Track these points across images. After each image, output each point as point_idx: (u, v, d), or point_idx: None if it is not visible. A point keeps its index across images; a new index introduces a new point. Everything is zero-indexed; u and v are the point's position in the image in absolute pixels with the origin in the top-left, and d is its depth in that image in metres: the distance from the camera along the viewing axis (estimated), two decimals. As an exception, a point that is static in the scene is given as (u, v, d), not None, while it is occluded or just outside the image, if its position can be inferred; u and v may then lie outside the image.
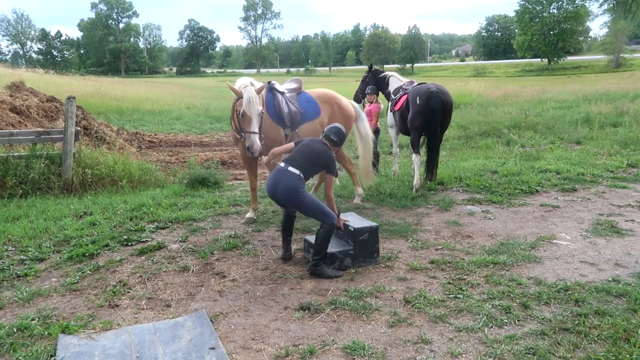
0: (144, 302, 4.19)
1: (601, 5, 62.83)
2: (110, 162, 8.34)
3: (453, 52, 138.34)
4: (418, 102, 7.53)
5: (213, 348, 3.45)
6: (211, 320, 3.82)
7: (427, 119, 7.47)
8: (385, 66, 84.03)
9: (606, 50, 58.72)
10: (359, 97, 9.17)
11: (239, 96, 5.39)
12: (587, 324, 3.67)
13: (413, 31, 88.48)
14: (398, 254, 5.21)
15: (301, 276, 4.68)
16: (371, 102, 8.75)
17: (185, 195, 7.62)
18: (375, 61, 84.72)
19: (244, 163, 6.58)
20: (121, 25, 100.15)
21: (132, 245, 5.51)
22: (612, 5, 60.40)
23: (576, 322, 3.71)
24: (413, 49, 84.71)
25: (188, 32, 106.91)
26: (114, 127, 13.38)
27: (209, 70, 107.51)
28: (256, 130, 5.39)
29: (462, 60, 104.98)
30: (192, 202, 7.13)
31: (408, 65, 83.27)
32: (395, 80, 8.69)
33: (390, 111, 8.49)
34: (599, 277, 4.57)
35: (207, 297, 4.28)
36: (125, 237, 5.67)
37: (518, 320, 3.78)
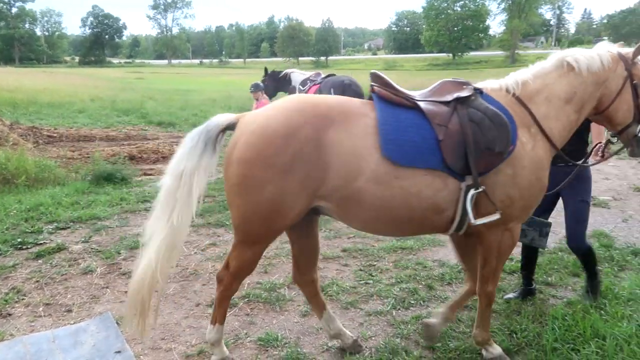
0: (41, 308, 3.89)
1: (499, 4, 67.50)
2: (2, 159, 7.62)
3: (365, 46, 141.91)
4: (333, 93, 7.80)
5: (119, 351, 3.29)
6: (117, 323, 3.64)
7: None
8: (300, 59, 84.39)
9: (503, 47, 63.46)
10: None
11: None
12: (484, 300, 3.96)
13: (327, 24, 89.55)
14: (312, 244, 5.28)
15: (214, 271, 4.59)
16: (257, 99, 8.59)
17: (89, 192, 7.17)
18: (290, 53, 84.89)
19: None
20: (14, 10, 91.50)
21: (27, 248, 5.08)
22: (508, 4, 65.05)
23: (474, 299, 3.98)
24: (327, 41, 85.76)
25: (92, 19, 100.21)
26: (6, 121, 12.24)
27: (115, 61, 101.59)
28: None
29: (374, 54, 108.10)
30: (97, 200, 6.72)
31: (322, 58, 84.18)
32: (298, 75, 8.91)
33: None
34: (495, 256, 4.93)
35: (113, 299, 4.07)
36: (19, 239, 5.22)
37: (423, 301, 3.99)
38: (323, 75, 8.69)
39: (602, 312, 3.60)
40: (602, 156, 3.49)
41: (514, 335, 3.42)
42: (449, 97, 2.88)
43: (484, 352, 3.18)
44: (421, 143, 2.70)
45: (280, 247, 5.15)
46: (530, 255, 4.02)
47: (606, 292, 3.96)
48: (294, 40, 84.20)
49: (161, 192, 2.81)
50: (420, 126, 2.75)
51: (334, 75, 8.61)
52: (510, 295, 4.07)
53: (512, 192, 2.78)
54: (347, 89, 8.01)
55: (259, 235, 2.84)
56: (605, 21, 72.46)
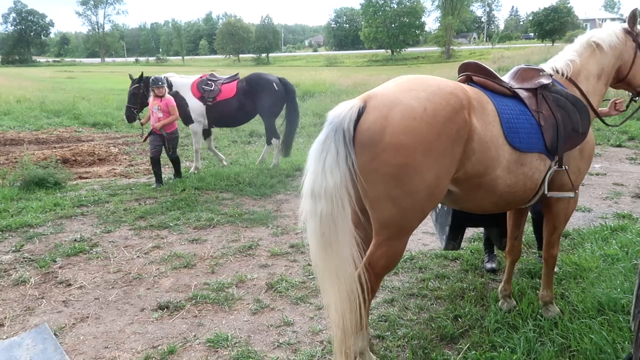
0: (-32, 324, 3.63)
1: (433, 2, 69.61)
2: None
3: (306, 42, 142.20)
4: (277, 88, 8.08)
5: (58, 364, 3.12)
6: (55, 334, 3.45)
7: (287, 103, 8.25)
8: (240, 56, 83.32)
9: (439, 43, 65.50)
10: (133, 114, 8.10)
11: None
12: (429, 288, 4.08)
13: (266, 21, 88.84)
14: (259, 241, 5.24)
15: (158, 274, 4.45)
16: (162, 96, 7.44)
17: (19, 199, 6.74)
18: (230, 51, 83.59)
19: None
20: None
21: (-50, 261, 4.72)
22: (441, 2, 67.18)
23: (420, 287, 4.10)
24: (267, 38, 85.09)
25: (14, 15, 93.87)
26: None
27: (42, 60, 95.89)
28: None
29: (315, 51, 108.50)
30: (28, 206, 6.33)
31: (263, 55, 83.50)
32: (178, 79, 8.33)
33: (206, 104, 8.10)
34: (438, 244, 5.10)
35: (50, 310, 3.85)
36: (-60, 253, 4.84)
37: (372, 292, 4.05)
38: (229, 76, 8.48)
39: (538, 291, 3.80)
40: (624, 109, 3.73)
41: (459, 319, 3.55)
42: (534, 84, 3.10)
43: (544, 310, 3.51)
44: (531, 129, 2.90)
45: (227, 247, 5.08)
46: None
47: (540, 273, 4.19)
48: (233, 37, 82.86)
49: (314, 221, 2.55)
50: (525, 113, 2.94)
51: (237, 75, 8.46)
52: (491, 265, 4.42)
53: (580, 165, 3.15)
54: (287, 82, 8.39)
55: (413, 225, 2.72)
56: (530, 18, 76.39)
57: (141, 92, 8.03)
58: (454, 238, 3.99)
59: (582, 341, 3.08)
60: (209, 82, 8.21)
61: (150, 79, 7.63)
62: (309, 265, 4.59)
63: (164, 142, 7.54)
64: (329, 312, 2.72)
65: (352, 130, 2.55)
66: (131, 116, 8.18)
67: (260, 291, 4.12)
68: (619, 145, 10.13)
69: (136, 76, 8.21)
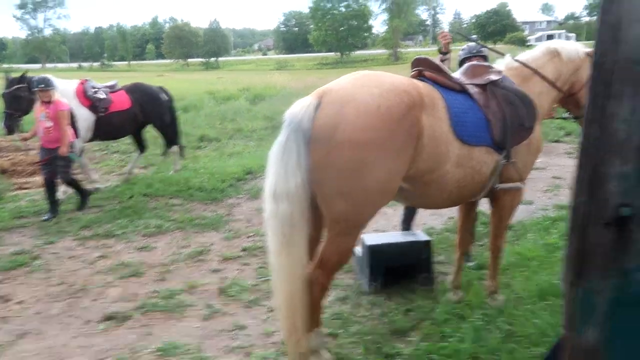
0: None
1: (380, 5, 70.89)
2: None
3: (256, 46, 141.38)
4: (165, 97, 8.09)
5: (-4, 384, 2.95)
6: (-8, 353, 3.26)
7: (170, 111, 8.24)
8: (189, 60, 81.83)
9: (386, 45, 66.82)
10: (15, 123, 6.52)
11: None
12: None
13: (214, 25, 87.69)
14: (210, 246, 5.15)
15: (105, 285, 4.29)
16: (49, 101, 5.96)
17: (-50, 213, 6.33)
18: (179, 55, 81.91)
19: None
20: None
21: None
22: (388, 6, 68.54)
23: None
24: (216, 42, 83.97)
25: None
26: None
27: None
28: None
29: (265, 54, 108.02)
30: (-40, 221, 5.95)
31: (213, 59, 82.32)
32: (62, 83, 6.92)
33: (99, 114, 7.05)
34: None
35: (-13, 328, 3.64)
36: None
37: (325, 291, 4.06)
38: (109, 83, 7.72)
39: (484, 282, 3.93)
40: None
41: (410, 313, 3.62)
42: (484, 80, 3.21)
43: (490, 300, 3.61)
44: (478, 123, 2.99)
45: (178, 253, 4.97)
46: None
47: (486, 264, 4.33)
48: (181, 41, 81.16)
49: (275, 221, 2.60)
50: (473, 108, 3.04)
51: (116, 82, 7.85)
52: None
53: (527, 159, 3.25)
54: (167, 91, 8.26)
55: (364, 220, 2.78)
56: (473, 21, 79.14)
57: (26, 94, 6.49)
58: (374, 279, 3.99)
59: (526, 326, 3.21)
60: (97, 90, 7.21)
61: (34, 79, 6.15)
62: (261, 267, 4.56)
63: (54, 160, 5.94)
64: (280, 312, 2.73)
65: (309, 130, 2.57)
66: (12, 125, 6.51)
67: (212, 296, 4.05)
68: (557, 141, 10.65)
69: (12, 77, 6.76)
